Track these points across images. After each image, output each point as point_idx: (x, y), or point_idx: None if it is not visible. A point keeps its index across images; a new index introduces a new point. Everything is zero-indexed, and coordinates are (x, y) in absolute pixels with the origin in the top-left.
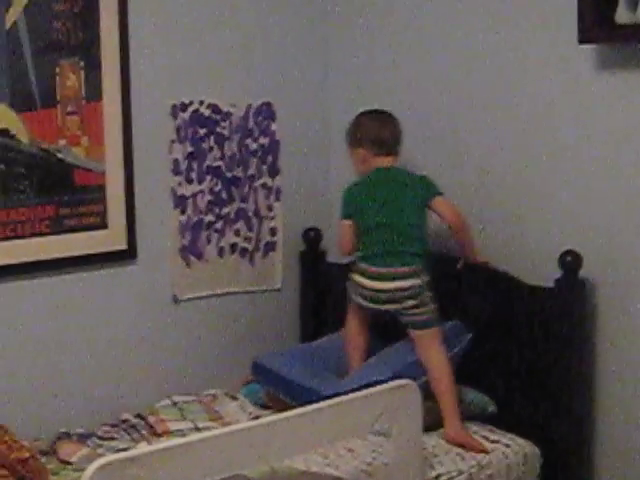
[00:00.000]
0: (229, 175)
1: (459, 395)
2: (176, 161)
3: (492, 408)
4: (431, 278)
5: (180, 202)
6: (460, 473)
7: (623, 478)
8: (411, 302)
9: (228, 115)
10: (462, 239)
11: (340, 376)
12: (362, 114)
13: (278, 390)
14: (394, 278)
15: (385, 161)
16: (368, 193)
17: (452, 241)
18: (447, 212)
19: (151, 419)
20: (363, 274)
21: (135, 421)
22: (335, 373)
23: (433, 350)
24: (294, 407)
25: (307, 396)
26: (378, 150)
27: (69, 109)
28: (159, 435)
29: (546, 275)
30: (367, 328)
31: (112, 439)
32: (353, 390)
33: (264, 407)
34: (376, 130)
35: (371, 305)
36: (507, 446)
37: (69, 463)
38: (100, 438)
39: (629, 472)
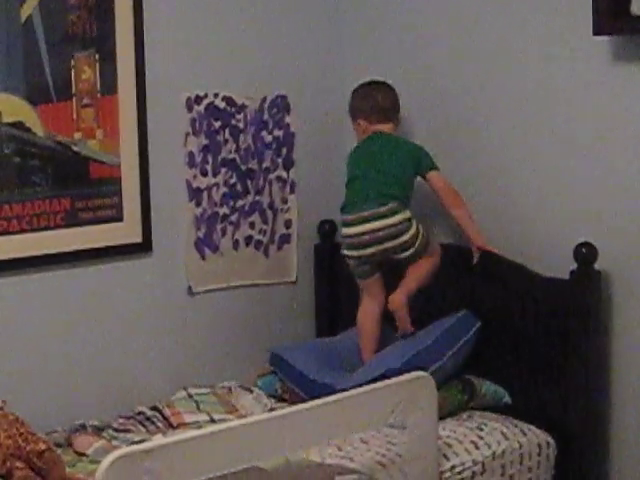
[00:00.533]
0: (244, 168)
1: (475, 384)
2: (191, 154)
3: (507, 399)
4: (424, 230)
5: (195, 195)
6: (475, 463)
7: (638, 468)
8: (395, 241)
9: (243, 108)
10: (459, 218)
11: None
12: (359, 85)
13: (292, 382)
14: (370, 219)
15: (384, 127)
16: (360, 153)
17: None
18: (440, 185)
19: (167, 411)
20: (345, 224)
21: (150, 413)
22: (350, 370)
23: (417, 276)
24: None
25: (320, 391)
26: (377, 117)
27: (84, 102)
28: (174, 427)
29: (561, 267)
30: (379, 315)
31: (127, 431)
32: (366, 383)
33: (280, 399)
34: (372, 98)
35: (357, 253)
36: (522, 436)
37: (85, 455)
38: (116, 430)
39: None
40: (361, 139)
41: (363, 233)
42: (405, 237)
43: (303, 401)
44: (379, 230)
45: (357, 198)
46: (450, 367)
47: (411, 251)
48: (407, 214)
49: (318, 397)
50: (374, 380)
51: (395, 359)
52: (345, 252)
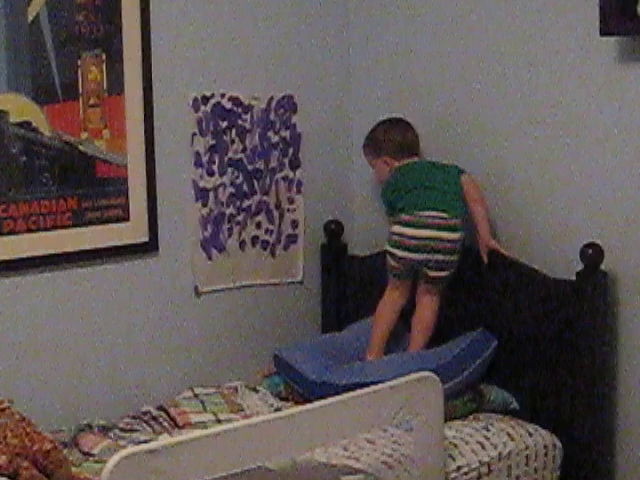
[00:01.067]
0: (250, 168)
1: (484, 392)
2: (197, 154)
3: (514, 405)
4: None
5: (202, 195)
6: (481, 464)
7: None
8: (441, 256)
9: (250, 108)
10: (477, 213)
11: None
12: (380, 124)
13: (294, 383)
14: (434, 227)
15: (410, 160)
16: (406, 176)
17: (474, 233)
18: (471, 186)
19: (172, 411)
20: (403, 223)
21: (156, 413)
22: (355, 364)
23: (431, 303)
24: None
25: (320, 390)
26: (403, 153)
27: (91, 102)
28: (180, 427)
29: (568, 268)
30: (399, 309)
31: (133, 431)
32: (372, 383)
33: (285, 399)
34: (400, 136)
35: (403, 254)
36: (528, 437)
37: (91, 455)
38: (122, 430)
39: None
40: (384, 177)
41: (421, 237)
42: (454, 257)
43: (306, 402)
44: (439, 240)
45: (422, 201)
46: (466, 384)
47: (446, 273)
48: (463, 235)
49: (319, 397)
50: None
51: (412, 367)
52: (389, 249)
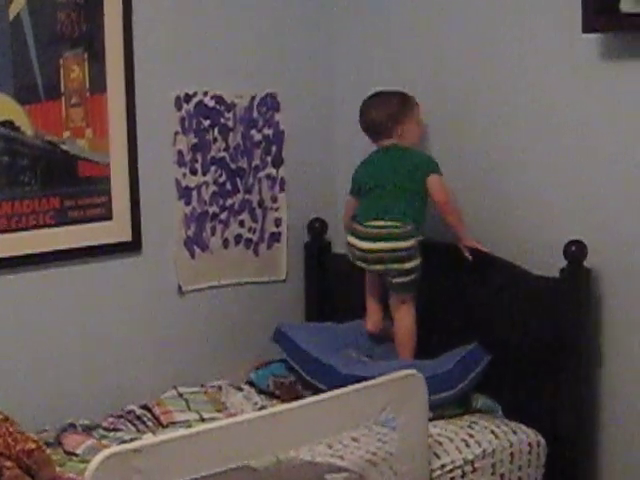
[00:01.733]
0: (233, 166)
1: (471, 399)
2: (180, 152)
3: (499, 414)
4: (423, 257)
5: (184, 193)
6: (465, 462)
7: (627, 468)
8: (401, 265)
9: (232, 106)
10: (450, 222)
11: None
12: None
13: (295, 361)
14: (382, 239)
15: (386, 143)
16: (366, 167)
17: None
18: (435, 191)
19: (156, 410)
20: (354, 234)
21: (140, 412)
22: (355, 355)
23: (405, 310)
24: (301, 396)
25: (324, 373)
26: (373, 135)
27: (73, 101)
28: (164, 426)
29: (551, 265)
30: (381, 304)
31: (117, 430)
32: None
33: (271, 395)
34: (364, 115)
35: (361, 264)
36: (513, 435)
37: (75, 454)
38: (105, 429)
39: (633, 462)
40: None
41: (370, 250)
42: (412, 263)
43: (296, 397)
44: (389, 251)
45: (374, 208)
46: (458, 396)
47: (409, 278)
48: (415, 243)
49: (321, 379)
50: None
51: (410, 368)
52: (353, 261)
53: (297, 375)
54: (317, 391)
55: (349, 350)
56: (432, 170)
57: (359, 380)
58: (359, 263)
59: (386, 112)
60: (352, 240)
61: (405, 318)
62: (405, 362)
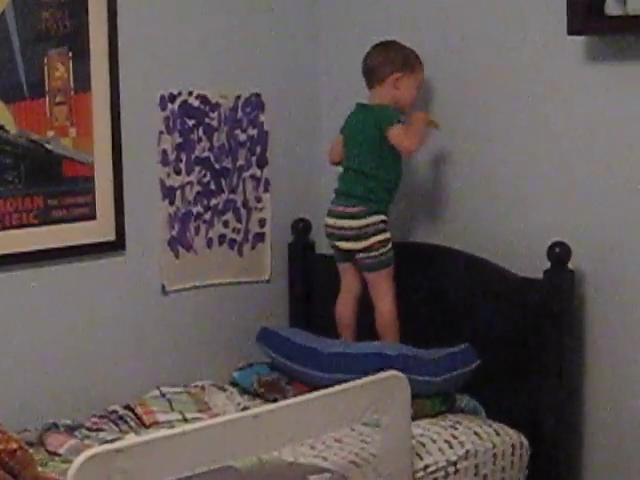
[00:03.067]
0: (218, 166)
1: (455, 398)
2: (164, 152)
3: (483, 415)
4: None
5: (168, 193)
6: (448, 463)
7: (611, 470)
8: (354, 244)
9: (217, 106)
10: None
11: None
12: None
13: (278, 352)
14: (345, 217)
15: (373, 94)
16: (348, 130)
17: (440, 231)
18: (398, 143)
19: (139, 410)
20: (329, 213)
21: (123, 412)
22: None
23: (383, 292)
24: (285, 393)
25: (309, 355)
26: (367, 81)
27: (57, 100)
28: (147, 426)
29: (535, 266)
30: (355, 304)
31: (100, 430)
32: (356, 355)
33: (254, 395)
34: (364, 59)
35: (333, 242)
36: (496, 436)
37: (57, 454)
38: (88, 429)
39: (618, 464)
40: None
41: (335, 227)
42: (375, 238)
43: (279, 395)
44: (349, 229)
45: (339, 191)
46: (438, 388)
47: (374, 255)
48: (379, 219)
49: (305, 360)
50: (364, 357)
51: (392, 349)
52: (328, 241)
53: (281, 372)
54: (302, 385)
55: (335, 341)
56: (388, 123)
57: (342, 358)
58: (331, 241)
59: (387, 57)
60: (325, 219)
61: (384, 299)
62: (389, 345)
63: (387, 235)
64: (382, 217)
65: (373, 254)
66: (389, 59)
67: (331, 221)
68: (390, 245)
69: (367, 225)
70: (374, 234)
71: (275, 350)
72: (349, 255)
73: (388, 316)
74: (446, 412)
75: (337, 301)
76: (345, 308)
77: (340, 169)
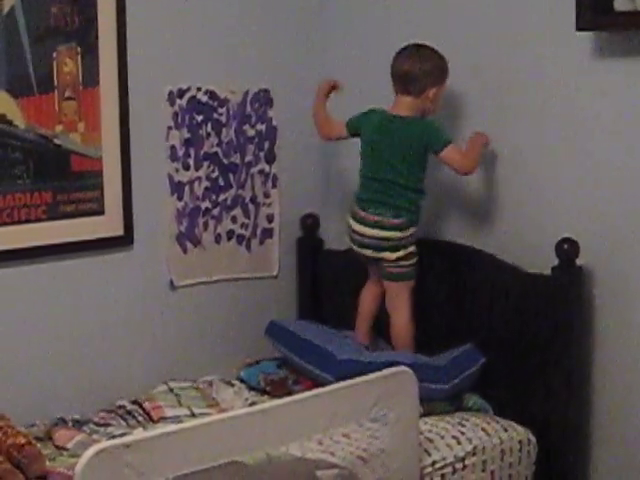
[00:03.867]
0: (226, 162)
1: (463, 398)
2: (173, 147)
3: (491, 412)
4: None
5: (177, 188)
6: (456, 459)
7: (619, 467)
8: (389, 254)
9: (225, 101)
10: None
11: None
12: None
13: (289, 349)
14: (376, 226)
15: (403, 100)
16: (371, 135)
17: (450, 227)
18: (458, 166)
19: (147, 405)
20: (354, 217)
21: (131, 407)
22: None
23: (401, 304)
24: (291, 393)
25: (321, 357)
26: (397, 86)
27: (66, 95)
28: (155, 421)
29: (543, 263)
30: (379, 295)
31: (108, 425)
32: (369, 364)
33: (262, 392)
34: (397, 63)
35: (357, 249)
36: (503, 432)
37: (65, 449)
38: (96, 424)
39: (625, 461)
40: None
41: (365, 235)
42: (406, 250)
43: (286, 393)
44: (380, 239)
45: (369, 197)
46: (450, 393)
47: (402, 268)
48: (410, 233)
49: (318, 364)
50: (377, 365)
51: (407, 358)
52: (350, 245)
53: (288, 371)
54: (309, 383)
55: (347, 340)
56: (443, 142)
57: (355, 366)
58: (356, 248)
59: (428, 67)
60: (350, 223)
61: (401, 311)
62: (401, 353)
63: (414, 248)
64: (416, 228)
65: (402, 263)
66: (430, 70)
67: (361, 228)
68: (415, 258)
69: (408, 236)
70: (408, 245)
71: (285, 345)
72: (373, 260)
73: (403, 328)
74: (455, 411)
75: (364, 287)
76: (369, 293)
77: (360, 176)
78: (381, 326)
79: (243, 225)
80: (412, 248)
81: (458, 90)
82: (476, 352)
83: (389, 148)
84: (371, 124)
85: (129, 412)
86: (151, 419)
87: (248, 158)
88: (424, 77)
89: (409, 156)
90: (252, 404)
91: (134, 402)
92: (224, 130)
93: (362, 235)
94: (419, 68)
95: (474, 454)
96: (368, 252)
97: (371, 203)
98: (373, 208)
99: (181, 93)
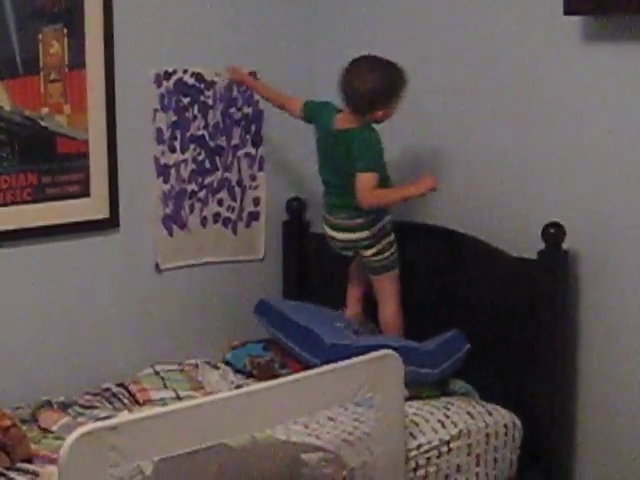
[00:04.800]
0: (212, 144)
1: (449, 383)
2: (159, 130)
3: (477, 396)
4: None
5: (163, 171)
6: (441, 442)
7: (604, 451)
8: (365, 252)
9: (212, 84)
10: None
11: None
12: None
13: (278, 330)
14: (343, 229)
15: (345, 115)
16: (318, 139)
17: (436, 211)
18: (360, 196)
19: (133, 388)
20: (325, 222)
21: (117, 390)
22: (344, 327)
23: (387, 296)
24: (277, 376)
25: (309, 341)
26: (345, 101)
27: (52, 77)
28: (140, 404)
29: (529, 247)
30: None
31: (93, 408)
32: (356, 348)
33: (248, 374)
34: (346, 80)
35: (339, 252)
36: (488, 416)
37: (50, 431)
38: (81, 407)
39: (610, 444)
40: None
41: (336, 239)
42: (375, 248)
43: (272, 376)
44: (349, 241)
45: (331, 202)
46: (437, 378)
47: (380, 258)
48: (377, 228)
49: (306, 345)
50: (366, 349)
51: (394, 341)
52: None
53: (274, 353)
54: (296, 365)
55: (336, 323)
56: (360, 167)
57: (344, 351)
58: (337, 250)
59: (377, 88)
60: (324, 227)
61: (387, 302)
62: (391, 337)
63: (391, 238)
64: (388, 218)
65: (380, 257)
66: (380, 91)
67: (333, 233)
68: (394, 248)
69: (377, 232)
70: (381, 239)
71: (273, 325)
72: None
73: (392, 318)
74: (441, 395)
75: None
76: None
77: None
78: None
79: (229, 208)
80: (388, 239)
81: (444, 76)
82: (461, 338)
83: (332, 159)
84: (321, 125)
85: (115, 395)
86: (137, 402)
87: (234, 141)
88: (372, 98)
89: (352, 166)
90: (237, 387)
91: (120, 385)
92: (210, 113)
93: (335, 239)
94: (368, 88)
95: (459, 437)
96: (348, 253)
97: (333, 207)
98: (335, 212)
99: (168, 75)
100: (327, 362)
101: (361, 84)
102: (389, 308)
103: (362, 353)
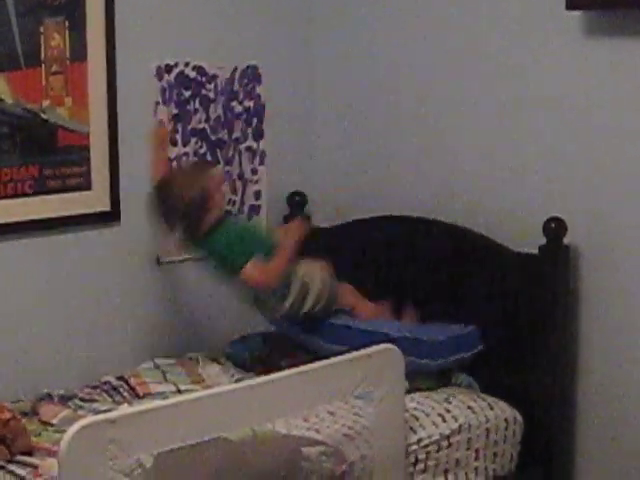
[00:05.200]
0: (214, 138)
1: (450, 375)
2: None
3: (477, 389)
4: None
5: None
6: (441, 437)
7: (603, 445)
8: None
9: (214, 77)
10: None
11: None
12: None
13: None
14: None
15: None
16: None
17: (438, 206)
18: (255, 284)
19: (133, 381)
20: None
21: (117, 383)
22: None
23: (355, 304)
24: (278, 369)
25: (309, 323)
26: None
27: (53, 69)
28: (140, 397)
29: (530, 242)
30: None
31: (93, 401)
32: (359, 330)
33: (248, 368)
34: (165, 205)
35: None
36: (489, 410)
37: (50, 424)
38: (81, 400)
39: (610, 439)
40: None
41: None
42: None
43: (272, 370)
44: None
45: None
46: (436, 370)
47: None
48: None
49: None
50: (367, 334)
51: (396, 330)
52: None
53: (274, 346)
54: (296, 361)
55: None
56: (240, 267)
57: (345, 331)
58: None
59: (191, 197)
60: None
61: (363, 309)
62: (395, 323)
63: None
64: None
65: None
66: (195, 201)
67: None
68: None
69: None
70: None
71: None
72: None
73: (373, 315)
74: (442, 387)
75: None
76: None
77: None
78: None
79: (230, 202)
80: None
81: (445, 72)
82: (476, 337)
83: None
84: None
85: (115, 388)
86: (137, 395)
87: (236, 134)
88: (197, 207)
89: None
90: (238, 380)
91: (120, 378)
92: (212, 106)
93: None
94: (186, 199)
95: (459, 432)
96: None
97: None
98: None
99: (169, 68)
100: (328, 342)
101: (180, 199)
102: (366, 310)
103: (363, 336)
